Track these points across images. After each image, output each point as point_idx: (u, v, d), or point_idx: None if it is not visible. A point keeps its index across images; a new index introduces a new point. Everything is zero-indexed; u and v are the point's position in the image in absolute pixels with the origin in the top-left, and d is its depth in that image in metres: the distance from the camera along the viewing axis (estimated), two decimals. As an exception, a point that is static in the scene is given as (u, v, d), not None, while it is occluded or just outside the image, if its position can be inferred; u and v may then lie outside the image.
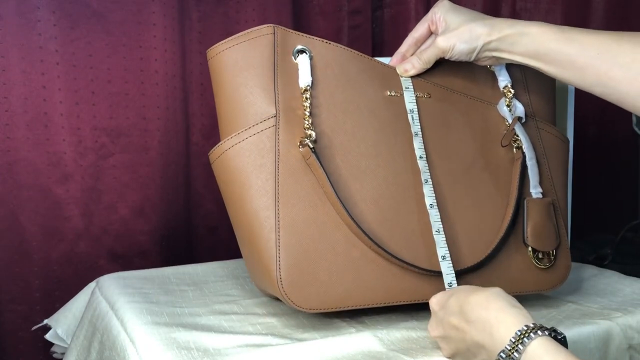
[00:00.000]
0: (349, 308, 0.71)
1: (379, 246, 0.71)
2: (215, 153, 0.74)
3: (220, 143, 0.73)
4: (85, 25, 1.03)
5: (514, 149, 0.80)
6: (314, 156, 0.70)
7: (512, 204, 0.77)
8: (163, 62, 1.08)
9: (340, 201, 0.70)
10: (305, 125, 0.73)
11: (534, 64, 0.72)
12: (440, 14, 0.77)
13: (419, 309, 0.76)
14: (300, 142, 0.72)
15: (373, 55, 1.26)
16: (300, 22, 1.20)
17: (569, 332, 0.71)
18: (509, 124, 0.80)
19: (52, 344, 0.96)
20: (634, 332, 0.76)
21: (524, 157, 0.79)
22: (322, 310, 0.70)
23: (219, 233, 1.17)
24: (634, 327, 0.76)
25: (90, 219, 1.07)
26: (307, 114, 0.73)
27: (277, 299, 0.77)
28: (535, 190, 0.79)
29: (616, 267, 0.97)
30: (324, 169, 0.70)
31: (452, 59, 0.76)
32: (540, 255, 0.78)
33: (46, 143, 1.03)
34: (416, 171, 0.76)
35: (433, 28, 0.79)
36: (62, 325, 0.93)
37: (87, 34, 1.03)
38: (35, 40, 1.00)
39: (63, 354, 0.93)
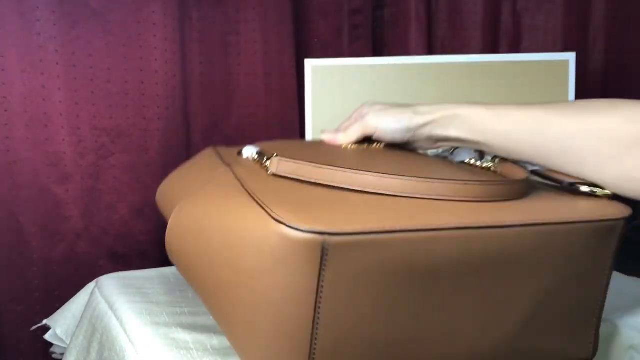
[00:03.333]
0: None
1: None
2: None
3: None
4: (85, 25, 1.03)
5: None
6: None
7: None
8: (163, 62, 1.08)
9: None
10: None
11: (470, 144, 0.69)
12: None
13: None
14: None
15: (373, 56, 1.27)
16: (301, 22, 1.20)
17: (569, 332, 0.71)
18: None
19: (51, 344, 0.96)
20: (634, 332, 0.76)
21: None
22: None
23: (219, 233, 1.17)
24: (634, 327, 0.76)
25: (90, 219, 1.07)
26: None
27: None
28: None
29: (616, 267, 0.97)
30: None
31: (385, 138, 0.72)
32: None
33: (46, 143, 1.03)
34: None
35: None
36: (61, 326, 0.92)
37: (87, 34, 1.03)
38: (35, 40, 1.00)
39: (63, 354, 0.93)
